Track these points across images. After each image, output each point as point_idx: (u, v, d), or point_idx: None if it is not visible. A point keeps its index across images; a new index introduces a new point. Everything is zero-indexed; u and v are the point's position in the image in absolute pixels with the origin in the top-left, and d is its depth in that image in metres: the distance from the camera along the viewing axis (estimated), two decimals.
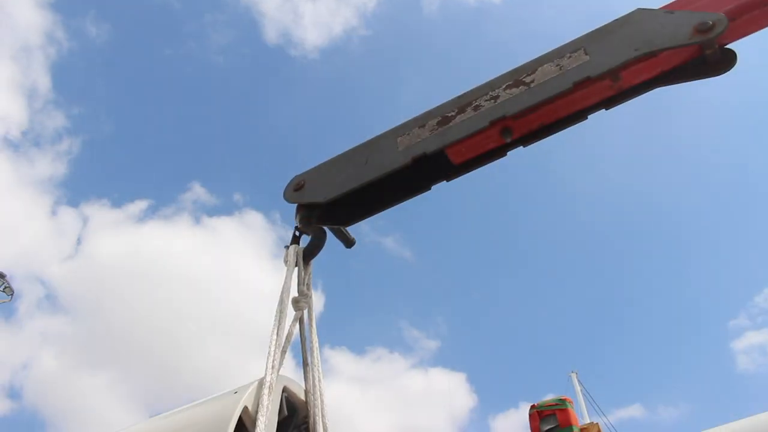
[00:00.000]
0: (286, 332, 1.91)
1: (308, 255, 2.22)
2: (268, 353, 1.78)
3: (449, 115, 2.21)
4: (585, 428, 4.69)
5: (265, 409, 1.61)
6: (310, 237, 2.28)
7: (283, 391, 1.82)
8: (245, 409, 1.62)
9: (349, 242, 2.49)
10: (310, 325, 2.04)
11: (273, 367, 1.74)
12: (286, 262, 2.13)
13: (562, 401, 4.73)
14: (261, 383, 1.69)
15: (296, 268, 2.12)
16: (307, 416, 1.86)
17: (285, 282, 2.03)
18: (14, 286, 24.92)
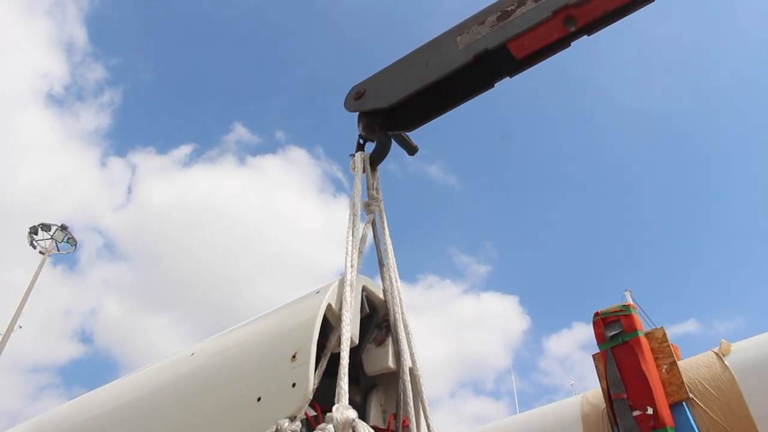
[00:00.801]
0: (360, 234, 1.93)
1: (375, 161, 2.22)
2: (346, 253, 1.81)
3: (509, 9, 2.14)
4: (650, 333, 4.66)
5: (348, 305, 1.64)
6: (375, 143, 2.28)
7: (362, 290, 1.85)
8: (329, 306, 1.65)
9: (411, 149, 2.47)
10: (383, 227, 2.06)
11: (352, 266, 1.77)
12: (353, 169, 2.14)
13: (627, 307, 4.71)
14: (342, 282, 1.72)
15: (364, 174, 2.13)
16: (387, 314, 1.89)
17: (355, 187, 2.04)
18: (75, 236, 25.82)
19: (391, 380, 1.88)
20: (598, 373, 4.63)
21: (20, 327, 22.19)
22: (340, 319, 1.63)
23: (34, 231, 24.36)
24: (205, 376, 1.76)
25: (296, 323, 1.64)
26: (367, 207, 2.06)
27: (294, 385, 1.47)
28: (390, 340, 1.85)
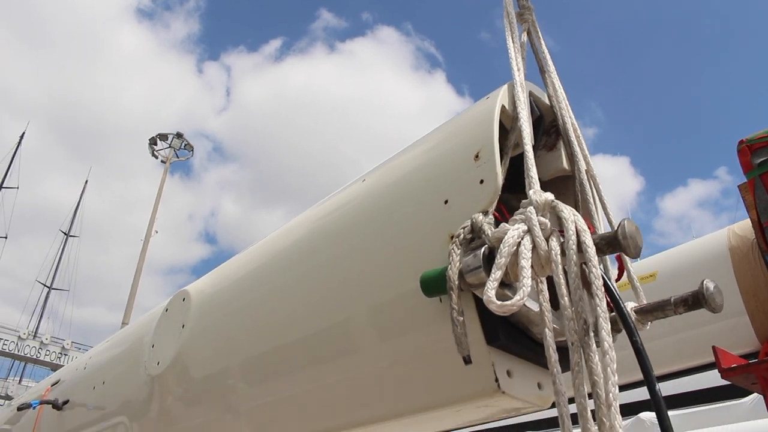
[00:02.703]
0: (519, 41, 1.87)
1: None
2: (510, 58, 1.76)
3: None
4: None
5: (522, 104, 1.61)
6: None
7: (529, 96, 1.81)
8: (503, 108, 1.63)
9: None
10: (538, 35, 1.99)
11: (518, 69, 1.73)
12: None
13: None
14: (510, 85, 1.68)
15: None
16: (554, 120, 1.85)
17: None
18: (190, 143, 26.97)
19: (565, 184, 1.86)
20: (746, 204, 4.44)
21: (156, 232, 23.89)
22: (516, 118, 1.61)
23: (153, 142, 25.71)
24: (384, 194, 1.80)
25: (473, 125, 1.64)
26: (521, 17, 1.98)
27: (482, 181, 1.48)
28: (561, 144, 1.81)
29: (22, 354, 36.99)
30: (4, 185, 48.53)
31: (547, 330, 1.27)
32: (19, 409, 3.82)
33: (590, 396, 1.19)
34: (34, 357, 37.55)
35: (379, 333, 1.64)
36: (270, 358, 2.00)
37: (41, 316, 49.85)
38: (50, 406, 3.53)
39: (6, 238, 48.07)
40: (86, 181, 57.18)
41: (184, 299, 2.60)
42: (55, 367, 33.53)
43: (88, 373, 3.50)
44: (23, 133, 52.46)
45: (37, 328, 45.63)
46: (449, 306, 1.33)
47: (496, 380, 1.37)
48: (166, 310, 2.72)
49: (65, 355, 37.79)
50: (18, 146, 50.80)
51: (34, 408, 3.61)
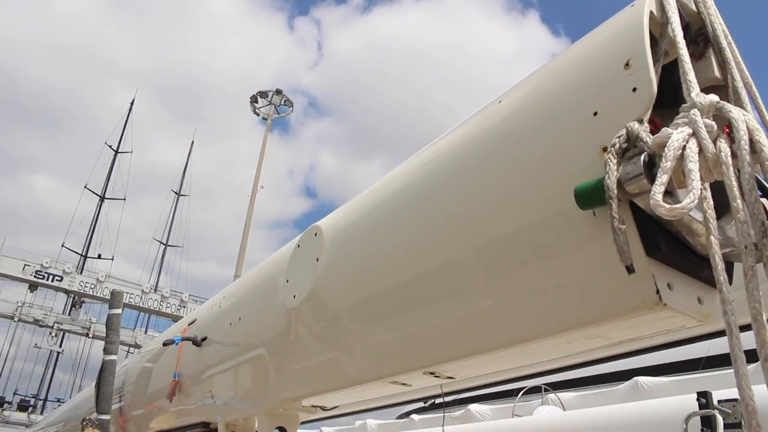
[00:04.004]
0: None
1: None
2: None
3: None
4: None
5: (672, 8, 1.53)
6: None
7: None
8: (651, 14, 1.54)
9: None
10: None
11: None
12: None
13: None
14: None
15: None
16: (701, 28, 1.74)
17: None
18: (290, 99, 27.39)
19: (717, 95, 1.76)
20: None
21: (262, 187, 24.66)
22: (666, 23, 1.53)
23: (254, 99, 26.34)
24: (525, 112, 1.74)
25: (620, 34, 1.56)
26: None
27: (635, 89, 1.43)
28: (710, 52, 1.71)
29: (146, 306, 39.74)
30: (119, 150, 51.34)
31: (713, 237, 1.23)
32: (165, 344, 4.10)
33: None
34: (157, 309, 40.28)
35: (531, 252, 1.61)
36: (414, 286, 2.00)
37: (160, 272, 53.00)
38: (190, 342, 3.77)
39: (125, 200, 51.04)
40: (192, 142, 59.57)
41: (316, 234, 2.66)
42: (175, 318, 35.77)
43: (223, 312, 3.70)
44: (133, 99, 55.05)
45: (157, 283, 48.68)
46: (609, 216, 1.31)
47: (657, 292, 1.34)
48: (298, 246, 2.81)
49: (184, 307, 40.22)
50: (129, 113, 53.42)
51: (177, 344, 3.87)
